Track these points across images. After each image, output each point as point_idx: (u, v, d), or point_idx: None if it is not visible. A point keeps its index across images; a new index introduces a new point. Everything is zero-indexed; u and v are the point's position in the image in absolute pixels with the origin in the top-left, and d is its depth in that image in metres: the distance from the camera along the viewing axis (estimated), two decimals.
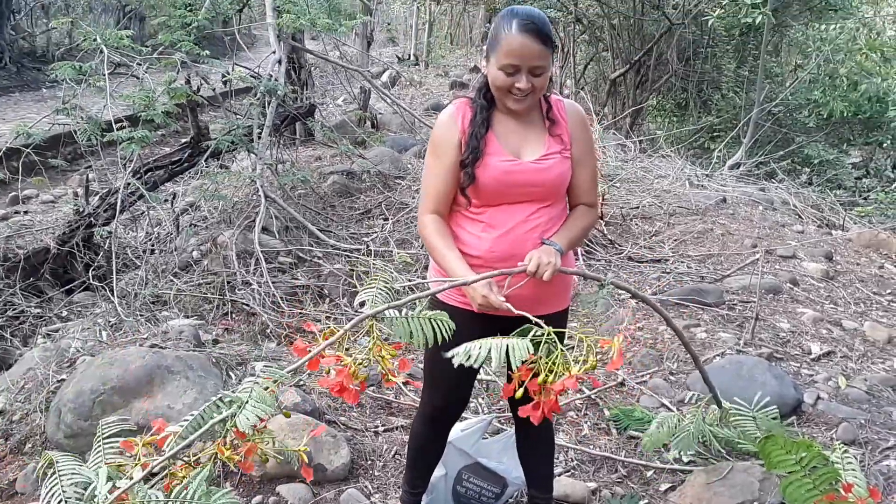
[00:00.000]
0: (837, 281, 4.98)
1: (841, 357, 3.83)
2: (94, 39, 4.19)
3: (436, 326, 1.69)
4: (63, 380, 3.07)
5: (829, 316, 4.34)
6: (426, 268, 4.96)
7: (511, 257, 1.96)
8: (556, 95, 2.08)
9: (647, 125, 12.04)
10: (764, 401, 2.88)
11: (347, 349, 1.68)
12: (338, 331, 1.66)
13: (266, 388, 1.48)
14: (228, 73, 5.85)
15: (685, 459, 2.85)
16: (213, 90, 5.86)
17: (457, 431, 2.62)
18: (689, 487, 2.59)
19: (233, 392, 1.47)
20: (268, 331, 4.07)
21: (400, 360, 1.78)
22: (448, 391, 2.20)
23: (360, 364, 1.66)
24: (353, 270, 4.74)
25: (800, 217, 6.64)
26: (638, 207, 6.19)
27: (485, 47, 1.98)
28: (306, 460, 1.76)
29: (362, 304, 1.78)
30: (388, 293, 1.79)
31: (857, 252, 5.79)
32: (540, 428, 2.18)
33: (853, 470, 2.16)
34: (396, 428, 3.04)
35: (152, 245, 5.32)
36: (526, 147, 1.99)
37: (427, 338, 1.67)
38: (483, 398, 3.37)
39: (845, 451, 2.29)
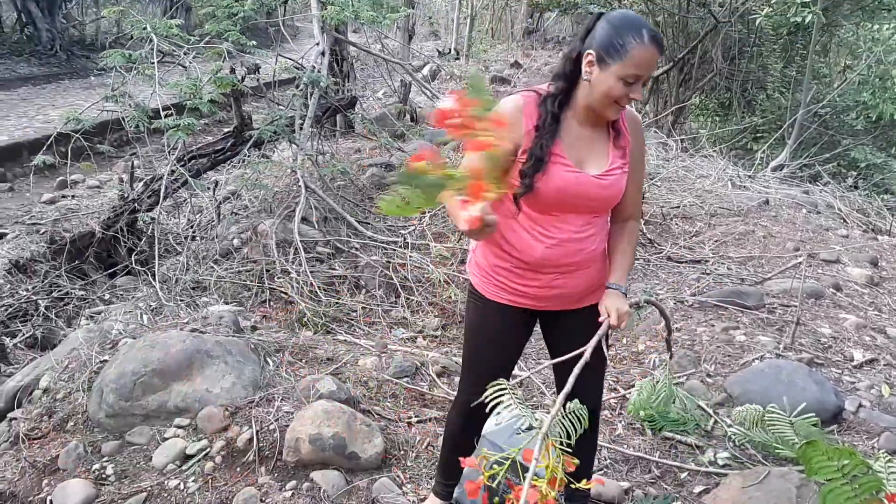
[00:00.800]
0: (882, 287, 4.86)
1: (884, 365, 3.74)
2: (144, 28, 4.27)
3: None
4: (105, 361, 3.15)
5: (873, 323, 4.24)
6: (462, 262, 5.00)
7: (562, 265, 1.97)
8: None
9: (690, 124, 11.87)
10: (801, 406, 2.85)
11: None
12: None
13: None
14: (273, 64, 5.92)
15: (721, 462, 2.82)
16: (258, 80, 5.93)
17: (491, 425, 2.63)
18: (723, 490, 2.56)
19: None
20: (304, 319, 4.12)
21: None
22: (483, 383, 2.20)
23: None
24: (389, 262, 4.78)
25: (844, 221, 6.50)
26: (679, 207, 6.11)
27: (590, 52, 1.83)
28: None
29: None
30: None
31: None
32: (589, 424, 2.19)
33: None
34: (430, 419, 3.05)
35: (194, 232, 5.42)
36: (590, 158, 1.92)
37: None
38: (519, 393, 3.36)
39: (889, 461, 2.25)
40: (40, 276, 4.91)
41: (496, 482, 1.72)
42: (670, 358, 2.56)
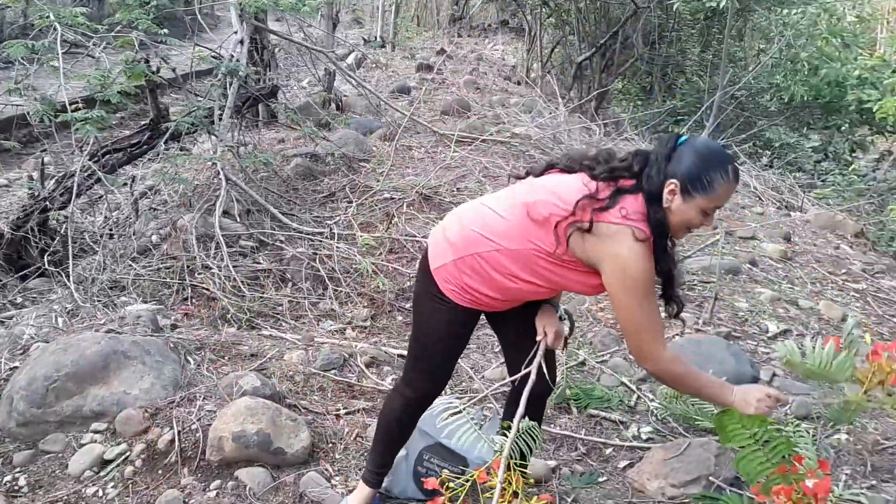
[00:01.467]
0: (795, 261, 5.06)
1: (797, 335, 3.90)
2: (48, 17, 4.07)
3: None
4: (16, 367, 3.01)
5: (787, 295, 4.42)
6: (391, 251, 4.97)
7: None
8: None
9: (613, 108, 12.10)
10: (721, 378, 2.93)
11: None
12: None
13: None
14: (191, 54, 5.75)
15: (644, 437, 2.89)
16: (174, 71, 5.75)
17: None
18: (646, 464, 2.63)
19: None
20: (228, 315, 4.03)
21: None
22: (438, 378, 2.22)
23: None
24: (315, 254, 4.71)
25: (760, 199, 6.73)
26: None
27: (674, 182, 1.86)
28: None
29: None
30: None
31: (815, 233, 5.90)
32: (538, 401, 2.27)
33: (805, 443, 2.20)
34: (358, 411, 3.03)
35: (110, 229, 5.22)
36: None
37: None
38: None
39: (798, 426, 2.35)
40: None
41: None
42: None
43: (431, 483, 1.79)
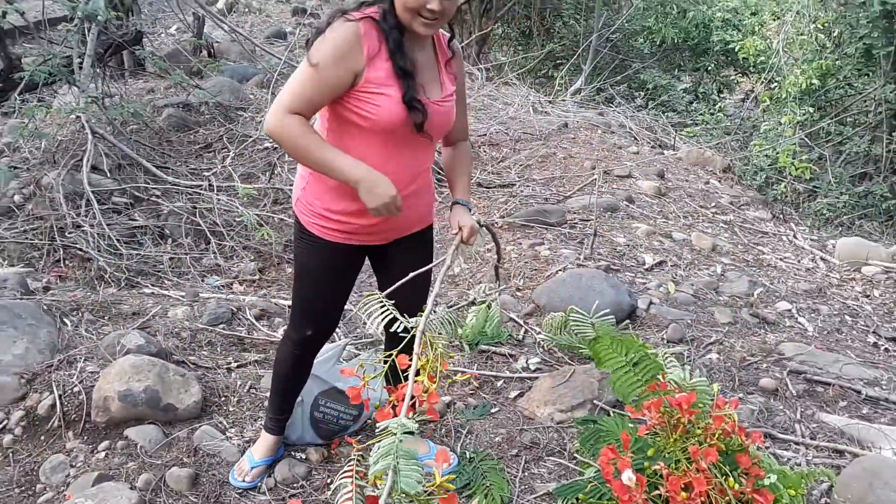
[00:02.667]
0: (668, 197, 5.33)
1: (671, 266, 4.14)
2: None
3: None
4: None
5: (661, 229, 4.66)
6: (276, 202, 4.86)
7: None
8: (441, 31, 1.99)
9: (494, 53, 12.15)
10: (602, 310, 3.09)
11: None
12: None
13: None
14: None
15: (532, 367, 3.01)
16: (23, 16, 5.31)
17: None
18: (535, 392, 2.74)
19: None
20: (105, 275, 3.84)
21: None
22: (321, 320, 2.19)
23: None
24: (195, 208, 4.54)
25: (635, 139, 7.01)
26: (485, 135, 6.29)
27: None
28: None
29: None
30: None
31: (686, 170, 6.22)
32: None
33: (673, 363, 2.37)
34: (250, 363, 2.99)
35: None
36: (429, 84, 1.87)
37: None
38: (340, 327, 3.37)
39: (666, 351, 2.52)
40: None
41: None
42: (498, 284, 2.67)
43: (348, 371, 1.69)
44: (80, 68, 5.02)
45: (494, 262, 2.39)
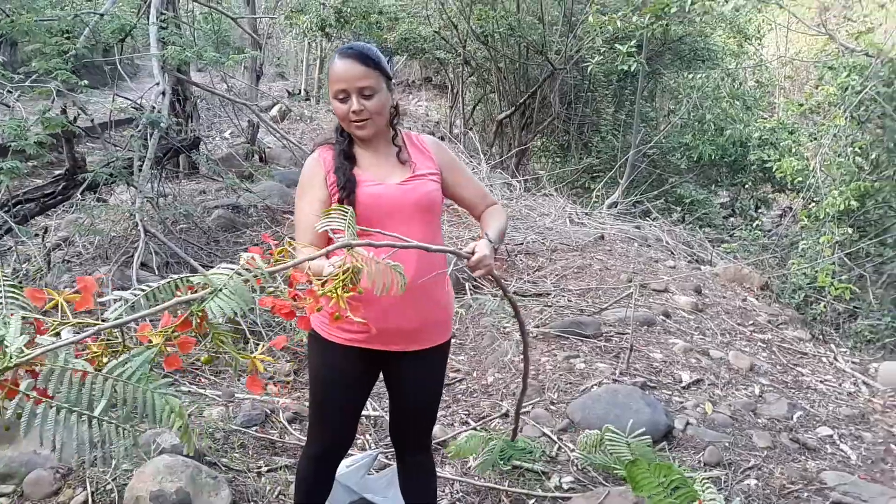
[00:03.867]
0: (706, 313, 5.30)
1: (708, 384, 4.08)
2: None
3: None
4: None
5: (698, 346, 4.61)
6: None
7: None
8: (410, 131, 2.19)
9: (532, 165, 12.47)
10: (638, 429, 3.04)
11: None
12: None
13: (246, 280, 1.21)
14: (110, 104, 5.67)
15: (565, 487, 2.95)
16: (92, 121, 5.65)
17: (342, 467, 2.61)
18: None
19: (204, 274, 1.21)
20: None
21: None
22: (334, 430, 2.20)
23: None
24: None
25: (672, 253, 7.04)
26: (522, 244, 6.39)
27: None
28: (261, 368, 1.41)
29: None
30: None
31: (724, 286, 6.20)
32: (418, 458, 2.27)
33: (710, 490, 2.31)
34: (280, 468, 2.99)
35: (20, 282, 5.02)
36: (390, 174, 2.06)
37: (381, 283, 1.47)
38: (370, 434, 3.37)
39: (705, 478, 2.46)
40: None
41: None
42: (524, 390, 2.62)
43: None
44: (140, 170, 5.29)
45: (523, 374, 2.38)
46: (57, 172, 5.40)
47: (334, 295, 1.45)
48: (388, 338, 2.05)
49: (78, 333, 1.13)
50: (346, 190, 1.98)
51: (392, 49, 15.09)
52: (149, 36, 6.40)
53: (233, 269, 1.24)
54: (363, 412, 3.46)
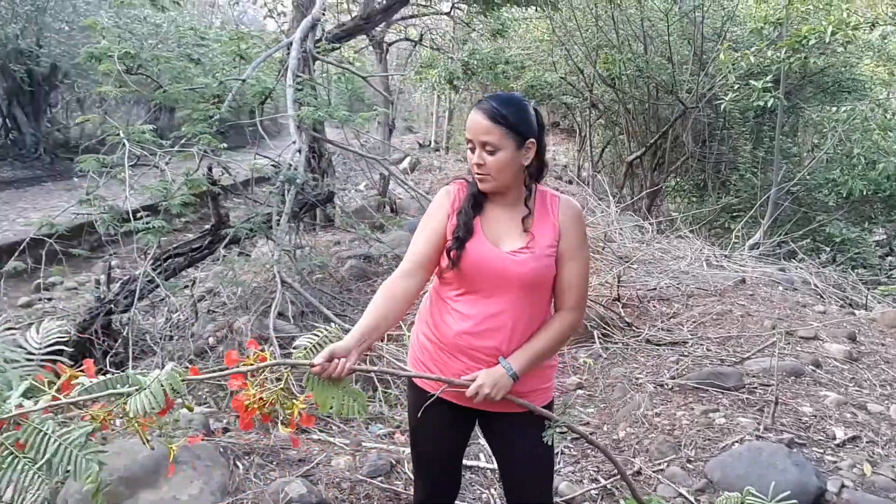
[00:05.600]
0: (862, 362, 4.86)
1: (867, 442, 3.70)
2: (118, 134, 4.37)
3: (349, 401, 1.86)
4: (69, 471, 3.06)
5: (854, 399, 4.22)
6: None
7: (478, 348, 1.96)
8: (553, 191, 2.08)
9: (667, 206, 12.10)
10: (781, 490, 2.79)
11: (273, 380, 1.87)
12: (266, 360, 1.84)
13: (162, 386, 1.61)
14: (252, 162, 6.05)
15: None
16: (234, 180, 6.03)
17: None
18: None
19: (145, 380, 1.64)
20: (279, 418, 4.04)
21: (306, 415, 1.92)
22: (433, 478, 2.21)
23: (260, 400, 1.84)
24: (365, 355, 4.73)
25: (821, 297, 6.55)
26: (655, 289, 6.15)
27: None
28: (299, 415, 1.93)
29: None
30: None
31: (882, 332, 5.67)
32: None
33: None
34: None
35: (170, 331, 5.37)
36: (506, 237, 1.99)
37: (334, 407, 1.84)
38: (496, 488, 3.29)
39: None
40: None
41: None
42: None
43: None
44: (278, 224, 5.56)
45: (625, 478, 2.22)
46: (204, 228, 5.79)
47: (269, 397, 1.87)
48: (469, 398, 2.00)
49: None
50: (459, 241, 1.96)
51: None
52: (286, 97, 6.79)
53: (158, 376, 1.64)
54: (491, 466, 3.41)
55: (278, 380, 1.85)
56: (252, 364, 1.81)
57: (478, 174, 1.96)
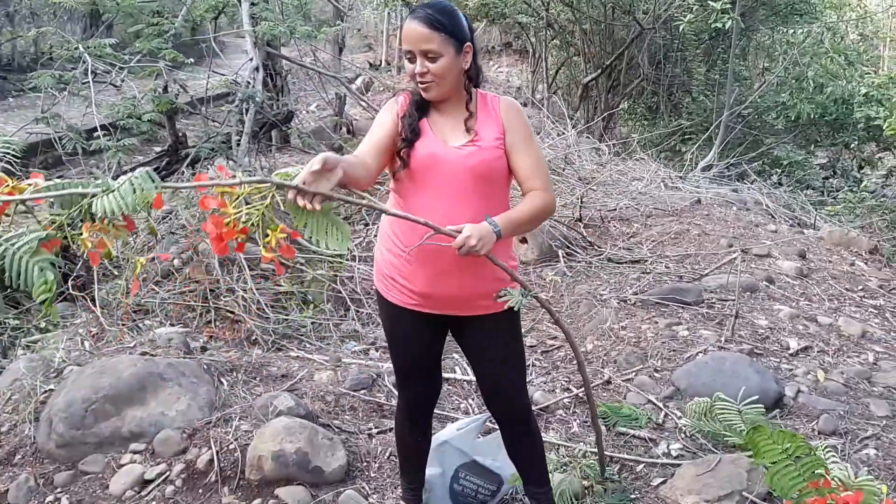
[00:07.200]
0: (811, 278, 5.10)
1: (818, 352, 3.93)
2: (76, 48, 4.17)
3: (334, 231, 1.68)
4: (51, 390, 3.05)
5: (805, 312, 4.45)
6: None
7: (442, 252, 1.94)
8: (493, 94, 2.12)
9: (620, 129, 12.20)
10: (748, 396, 2.97)
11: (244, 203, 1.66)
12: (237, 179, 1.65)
13: (135, 190, 1.40)
14: (206, 80, 5.86)
15: (674, 454, 2.92)
16: (191, 97, 5.85)
17: (452, 431, 2.67)
18: (678, 480, 2.65)
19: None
20: (253, 338, 4.07)
21: (286, 245, 1.71)
22: (414, 381, 2.28)
23: (241, 220, 1.63)
24: (336, 275, 4.76)
25: (773, 217, 6.78)
26: (615, 210, 6.28)
27: None
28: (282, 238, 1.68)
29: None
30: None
31: (829, 250, 5.94)
32: (520, 429, 2.27)
33: (835, 459, 2.24)
34: (389, 430, 3.06)
35: (131, 253, 5.27)
36: (453, 136, 2.03)
37: (318, 235, 1.66)
38: (473, 399, 3.41)
39: (827, 446, 2.38)
40: None
41: None
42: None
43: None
44: (238, 144, 5.45)
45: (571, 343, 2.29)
46: (160, 149, 5.63)
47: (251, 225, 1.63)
48: (440, 303, 2.08)
49: None
50: (407, 141, 2.00)
51: (471, 15, 14.99)
52: (238, 12, 6.54)
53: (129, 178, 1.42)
54: (467, 378, 3.52)
55: (263, 197, 1.67)
56: (233, 180, 1.62)
57: (421, 83, 1.98)
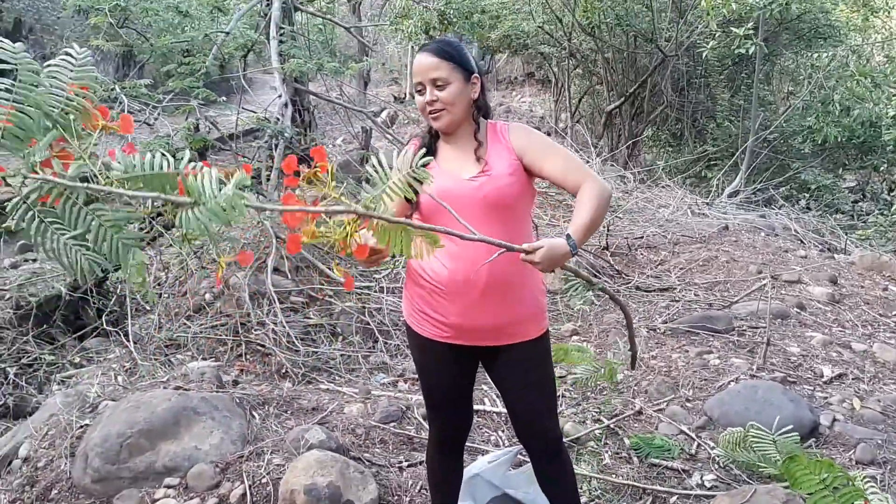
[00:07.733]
0: (843, 304, 5.04)
1: (853, 379, 3.87)
2: (112, 89, 4.29)
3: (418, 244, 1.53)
4: (87, 425, 3.10)
5: (838, 339, 4.39)
6: None
7: (471, 284, 1.99)
8: (503, 121, 2.13)
9: (644, 156, 12.18)
10: (782, 425, 2.93)
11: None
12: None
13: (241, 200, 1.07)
14: (235, 117, 5.97)
15: (708, 485, 2.88)
16: (221, 133, 5.97)
17: (483, 463, 2.66)
18: None
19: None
20: (283, 371, 4.11)
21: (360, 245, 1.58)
22: (445, 415, 2.28)
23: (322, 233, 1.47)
24: (364, 307, 4.79)
25: (802, 242, 6.72)
26: (642, 237, 6.27)
27: None
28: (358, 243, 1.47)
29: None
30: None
31: (861, 275, 5.86)
32: (552, 460, 2.24)
33: (874, 489, 2.20)
34: (419, 463, 3.06)
35: (162, 289, 5.36)
36: (463, 168, 2.05)
37: (399, 247, 1.50)
38: (504, 431, 3.40)
39: (866, 477, 2.35)
40: (7, 343, 4.80)
41: None
42: (633, 362, 2.37)
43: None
44: (267, 179, 5.54)
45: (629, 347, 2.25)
46: None
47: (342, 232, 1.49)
48: (474, 335, 2.08)
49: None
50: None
51: (493, 47, 15.13)
52: (266, 49, 6.68)
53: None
54: (496, 409, 3.51)
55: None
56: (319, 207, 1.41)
57: (431, 112, 2.02)
